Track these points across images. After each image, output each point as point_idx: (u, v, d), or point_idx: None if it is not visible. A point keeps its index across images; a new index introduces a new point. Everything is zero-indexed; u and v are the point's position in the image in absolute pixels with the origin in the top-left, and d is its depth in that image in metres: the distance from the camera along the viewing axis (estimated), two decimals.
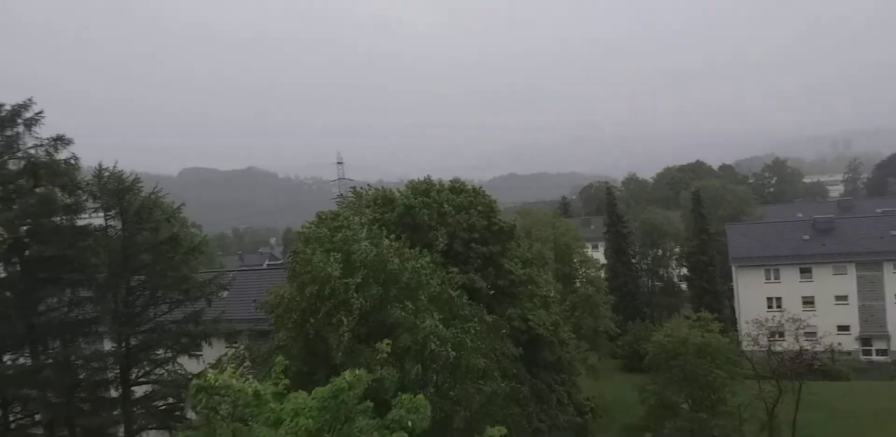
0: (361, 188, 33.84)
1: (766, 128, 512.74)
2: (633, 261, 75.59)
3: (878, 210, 78.24)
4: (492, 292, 31.00)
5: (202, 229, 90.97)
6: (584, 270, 57.50)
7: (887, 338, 57.65)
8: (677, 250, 78.98)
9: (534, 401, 29.17)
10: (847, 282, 58.47)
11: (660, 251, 79.32)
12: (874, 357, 57.50)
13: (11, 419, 25.67)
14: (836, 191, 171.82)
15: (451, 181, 34.53)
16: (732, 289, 63.47)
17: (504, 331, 28.44)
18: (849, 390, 45.68)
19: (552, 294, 35.36)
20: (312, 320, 21.60)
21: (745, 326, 45.78)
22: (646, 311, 70.49)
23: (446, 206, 30.91)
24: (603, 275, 64.25)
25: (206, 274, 30.59)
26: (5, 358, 25.59)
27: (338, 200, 34.92)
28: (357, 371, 15.13)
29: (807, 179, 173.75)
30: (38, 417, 25.49)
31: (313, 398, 13.86)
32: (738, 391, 33.43)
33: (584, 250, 63.28)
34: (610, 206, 75.11)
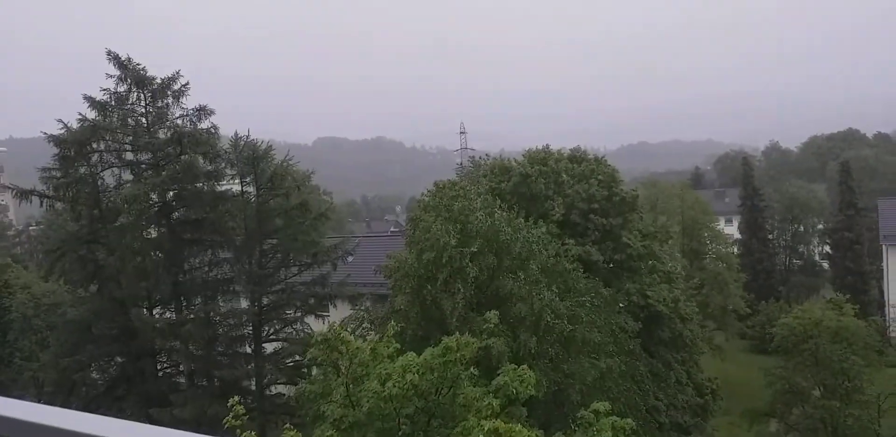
0: (479, 158, 33.95)
1: None
2: (770, 237, 71.12)
3: None
4: (610, 265, 30.38)
5: (332, 196, 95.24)
6: (714, 245, 55.00)
7: None
8: (820, 226, 73.41)
9: (650, 379, 28.50)
10: None
11: (801, 227, 74.02)
12: None
13: (159, 368, 28.54)
14: None
15: (571, 150, 33.89)
16: (881, 270, 58.23)
17: (621, 306, 27.89)
18: None
19: (677, 270, 34.12)
20: (430, 287, 22.23)
21: (892, 310, 42.19)
22: (781, 290, 66.37)
23: (564, 175, 30.41)
24: (735, 251, 61.18)
25: (334, 239, 32.04)
26: (155, 312, 28.36)
27: (457, 169, 35.28)
28: (463, 336, 15.51)
29: None
30: (181, 367, 28.13)
31: (424, 358, 14.39)
32: (878, 380, 30.95)
33: (716, 224, 60.37)
34: (746, 177, 70.78)
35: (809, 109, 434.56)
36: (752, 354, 50.79)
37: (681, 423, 30.02)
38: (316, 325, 28.09)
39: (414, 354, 14.34)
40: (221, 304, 28.36)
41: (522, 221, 23.91)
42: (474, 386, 14.61)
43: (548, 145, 32.92)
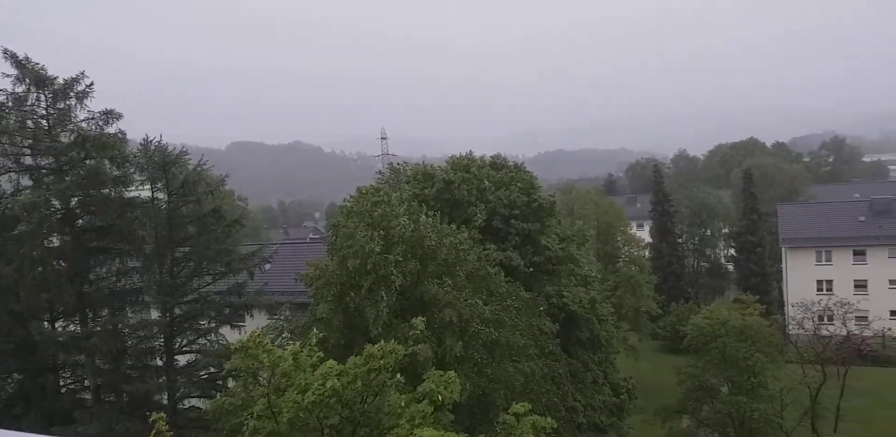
0: (398, 164, 33.83)
1: (827, 105, 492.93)
2: (679, 241, 74.30)
3: None
4: (530, 269, 30.88)
5: (248, 202, 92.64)
6: (627, 249, 56.81)
7: None
8: (726, 230, 77.27)
9: (569, 380, 29.09)
10: None
11: (707, 231, 77.71)
12: None
13: (62, 384, 26.84)
14: None
15: (492, 157, 34.29)
16: (781, 271, 61.89)
17: (542, 308, 28.36)
18: None
19: (592, 273, 35.04)
20: (353, 294, 21.90)
21: (791, 309, 44.77)
22: (690, 292, 69.41)
23: (486, 182, 30.73)
24: (647, 254, 63.44)
25: (250, 247, 31.14)
26: (57, 325, 26.67)
27: (378, 175, 35.06)
28: (388, 344, 15.29)
29: (866, 159, 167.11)
30: (86, 382, 26.58)
31: (349, 367, 14.07)
32: (780, 376, 32.77)
33: (629, 228, 62.47)
34: (657, 184, 73.73)
35: (715, 119, 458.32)
36: (664, 353, 52.73)
37: (598, 423, 30.78)
38: (231, 336, 27.16)
39: (334, 362, 14.05)
40: (130, 315, 26.98)
41: (447, 226, 23.96)
42: (400, 393, 14.45)
43: (471, 152, 33.20)
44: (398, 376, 14.74)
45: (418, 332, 19.23)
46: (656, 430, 34.85)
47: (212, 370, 26.85)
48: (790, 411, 32.74)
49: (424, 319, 19.72)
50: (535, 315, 26.38)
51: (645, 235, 75.82)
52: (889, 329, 49.32)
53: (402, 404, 14.15)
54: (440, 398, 14.81)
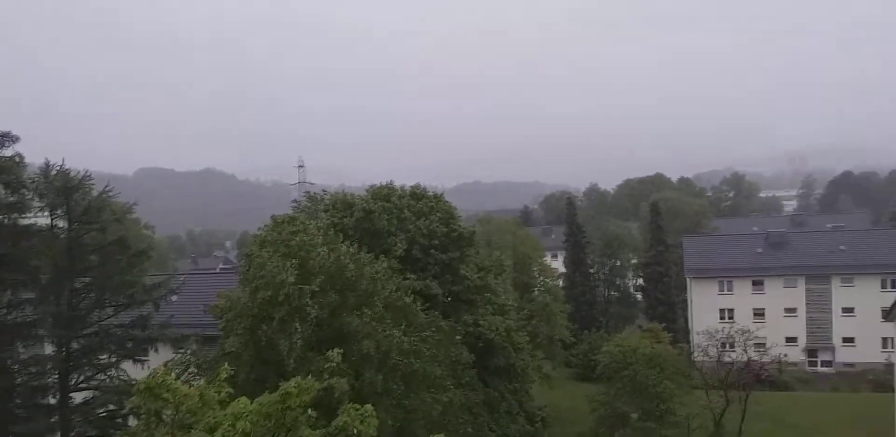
0: (316, 194, 33.51)
1: (727, 143, 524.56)
2: (592, 271, 76.39)
3: (829, 225, 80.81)
4: (448, 298, 30.96)
5: (155, 231, 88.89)
6: (542, 279, 57.89)
7: (832, 350, 59.27)
8: (634, 260, 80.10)
9: (485, 410, 29.12)
10: (797, 295, 59.97)
11: (618, 262, 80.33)
12: (819, 368, 59.01)
13: None
14: (790, 206, 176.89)
15: (411, 187, 34.47)
16: (686, 300, 64.56)
17: (459, 338, 28.38)
18: (794, 400, 46.67)
19: (509, 302, 35.47)
20: (265, 327, 21.25)
21: (696, 337, 46.61)
22: (601, 320, 71.20)
23: (406, 211, 30.82)
24: (561, 284, 64.84)
25: (156, 277, 29.83)
26: None
27: (294, 204, 34.52)
28: (305, 379, 14.88)
29: (763, 194, 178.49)
30: None
31: (258, 404, 13.58)
32: (687, 402, 33.93)
33: (544, 259, 63.83)
34: (570, 216, 75.88)
35: (623, 155, 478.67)
36: (577, 381, 53.55)
37: None
38: (134, 371, 25.74)
39: (247, 399, 13.53)
40: (22, 350, 25.16)
41: (367, 256, 23.76)
42: (313, 429, 14.04)
43: (391, 182, 33.26)
44: (309, 411, 14.34)
45: (334, 365, 18.80)
46: None
47: (111, 407, 25.29)
48: (696, 435, 33.87)
49: (342, 351, 19.32)
50: (452, 345, 26.37)
51: (559, 265, 77.61)
52: (785, 355, 52.10)
53: None
54: (356, 433, 14.49)
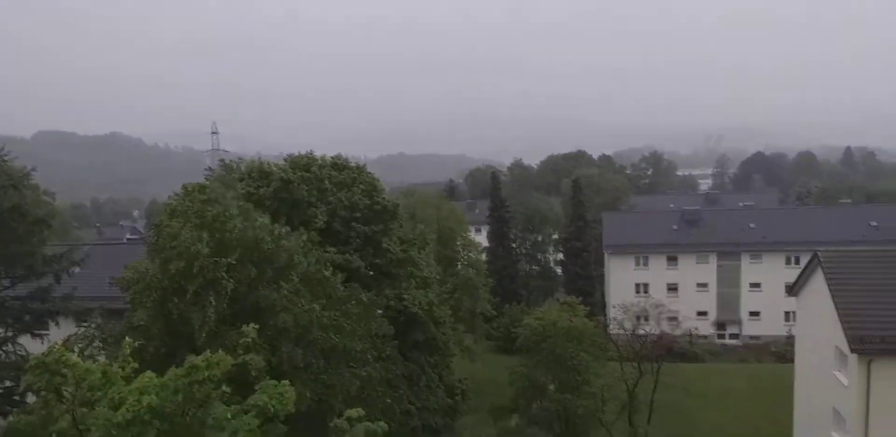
0: (232, 161, 32.15)
1: (647, 121, 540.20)
2: (514, 245, 77.31)
3: (741, 204, 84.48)
4: (370, 272, 30.52)
5: (56, 198, 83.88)
6: (465, 253, 58.09)
7: (739, 323, 62.42)
8: (556, 236, 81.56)
9: (405, 383, 29.08)
10: (708, 270, 62.58)
11: (539, 237, 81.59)
12: (727, 341, 62.10)
13: None
14: (705, 184, 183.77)
15: (333, 157, 33.57)
16: (604, 275, 66.35)
17: (380, 312, 28.08)
18: (703, 371, 49.05)
19: (432, 276, 35.34)
20: (176, 300, 20.33)
21: (613, 310, 48.03)
22: (522, 294, 72.38)
23: (327, 182, 30.00)
24: (484, 258, 65.33)
25: (58, 248, 28.05)
26: None
27: (207, 172, 32.99)
28: (216, 353, 14.22)
29: (680, 172, 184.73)
30: None
31: (166, 379, 12.95)
32: (602, 373, 34.93)
33: (468, 233, 64.05)
34: (494, 190, 76.31)
35: (548, 130, 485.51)
36: (497, 354, 54.41)
37: (432, 424, 31.03)
38: (32, 346, 24.23)
39: (152, 374, 12.84)
40: None
41: (286, 229, 22.93)
42: (227, 405, 13.47)
43: (311, 151, 32.20)
44: (223, 387, 13.76)
45: (250, 340, 18.15)
46: (488, 428, 35.79)
47: (8, 384, 23.79)
48: (611, 406, 35.02)
49: (257, 326, 18.69)
50: (373, 318, 26.04)
51: (483, 239, 78.20)
52: (696, 328, 54.54)
53: (228, 416, 13.28)
54: (272, 410, 14.05)
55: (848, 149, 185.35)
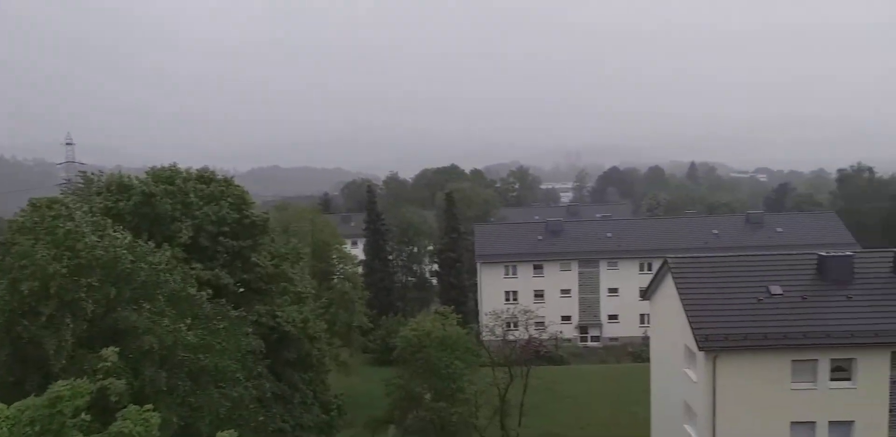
0: (93, 173, 30.32)
1: (514, 138, 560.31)
2: (390, 258, 77.75)
3: (598, 215, 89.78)
4: (240, 288, 29.72)
5: None
6: (341, 266, 57.74)
7: (600, 326, 66.20)
8: (430, 247, 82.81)
9: (278, 402, 28.48)
10: (570, 277, 66.05)
11: (415, 248, 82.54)
12: (589, 343, 65.68)
13: None
14: (567, 197, 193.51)
15: (199, 170, 32.47)
16: (477, 284, 68.22)
17: (250, 329, 27.41)
18: (568, 373, 51.54)
19: (307, 290, 34.87)
20: (27, 322, 18.92)
21: (484, 317, 49.43)
22: (399, 305, 72.85)
23: (193, 196, 28.95)
24: (360, 271, 65.18)
25: None
26: None
27: (63, 185, 30.85)
28: (76, 381, 13.56)
29: (544, 186, 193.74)
30: None
31: (20, 410, 12.16)
32: (475, 379, 35.89)
33: (343, 246, 63.70)
34: (370, 203, 76.47)
35: (422, 144, 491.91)
36: (374, 366, 54.38)
37: None
38: None
39: (2, 405, 12.00)
40: None
41: (147, 245, 21.95)
42: (86, 434, 12.80)
43: (175, 164, 30.94)
44: (83, 414, 13.10)
45: (109, 364, 17.31)
46: None
47: None
48: (484, 411, 36.04)
49: (118, 349, 17.85)
50: (243, 336, 25.39)
51: (359, 252, 78.00)
52: (560, 332, 57.18)
53: None
54: None
55: (692, 164, 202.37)
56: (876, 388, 26.15)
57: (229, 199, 30.03)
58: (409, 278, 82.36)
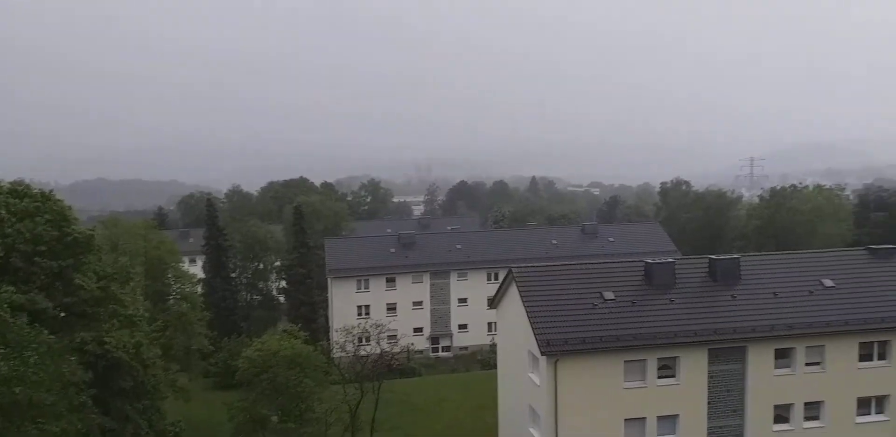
0: None
1: (366, 151, 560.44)
2: (233, 275, 74.58)
3: (449, 228, 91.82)
4: (60, 313, 27.03)
5: None
6: (179, 285, 54.44)
7: (451, 336, 67.43)
8: (278, 263, 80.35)
9: (107, 435, 26.10)
10: (423, 289, 66.82)
11: (261, 265, 79.75)
12: (441, 354, 66.69)
13: None
14: (418, 210, 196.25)
15: (12, 183, 29.36)
16: (328, 300, 67.04)
17: (73, 358, 24.97)
18: (421, 384, 51.80)
19: (139, 313, 32.42)
20: None
21: (336, 334, 48.55)
22: (243, 325, 69.88)
23: (3, 212, 26.05)
24: (200, 290, 61.81)
25: None
26: None
27: None
28: None
29: (396, 199, 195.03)
30: None
31: None
32: (325, 398, 35.05)
33: (181, 264, 60.09)
34: (210, 218, 72.97)
35: (268, 157, 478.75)
36: (217, 390, 51.60)
37: None
38: None
39: None
40: None
41: None
42: None
43: None
44: None
45: None
46: None
47: None
48: (334, 429, 35.20)
49: None
50: (64, 365, 23.06)
51: (199, 270, 74.07)
52: (412, 344, 57.40)
53: None
54: None
55: (533, 179, 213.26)
56: (696, 383, 28.65)
57: (47, 215, 27.31)
58: (255, 297, 79.35)
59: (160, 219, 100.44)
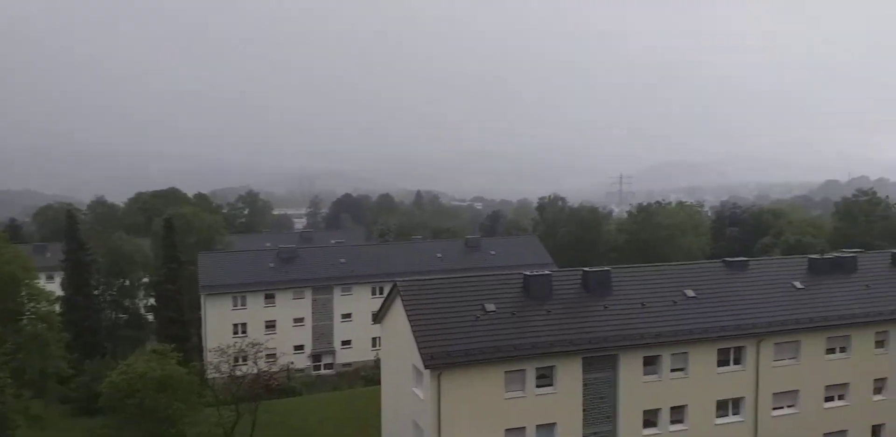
0: None
1: (246, 161, 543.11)
2: (96, 293, 69.53)
3: (333, 241, 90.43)
4: None
5: None
6: (33, 304, 50.01)
7: (333, 353, 66.06)
8: (146, 279, 75.76)
9: None
10: (304, 305, 65.09)
11: (127, 281, 74.86)
12: (322, 371, 65.07)
13: None
14: (300, 223, 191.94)
15: None
16: (201, 318, 63.87)
17: None
18: (301, 404, 50.35)
19: None
20: None
21: (210, 354, 46.32)
22: (108, 346, 65.22)
23: None
24: (58, 309, 57.14)
25: None
26: None
27: None
28: None
29: (276, 212, 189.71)
30: None
31: None
32: (198, 421, 33.32)
33: (37, 281, 55.34)
34: (71, 231, 67.75)
35: (140, 168, 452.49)
36: (77, 417, 47.86)
37: None
38: None
39: None
40: None
41: None
42: None
43: None
44: None
45: None
46: None
47: None
48: None
49: None
50: None
51: (57, 287, 68.51)
52: (292, 363, 55.79)
53: None
54: None
55: (418, 192, 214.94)
56: (572, 391, 29.71)
57: None
58: (121, 315, 74.18)
59: (13, 231, 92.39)
